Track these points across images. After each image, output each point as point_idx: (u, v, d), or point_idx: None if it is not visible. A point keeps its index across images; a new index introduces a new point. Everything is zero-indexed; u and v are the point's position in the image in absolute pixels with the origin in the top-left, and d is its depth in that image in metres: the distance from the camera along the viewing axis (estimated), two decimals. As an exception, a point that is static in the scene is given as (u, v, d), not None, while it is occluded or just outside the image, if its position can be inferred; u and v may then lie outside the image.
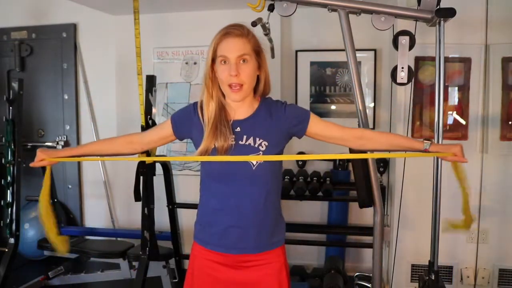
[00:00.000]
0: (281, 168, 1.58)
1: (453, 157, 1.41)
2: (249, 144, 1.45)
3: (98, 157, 1.75)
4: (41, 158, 1.50)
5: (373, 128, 3.32)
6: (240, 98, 1.45)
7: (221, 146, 1.42)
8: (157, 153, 2.89)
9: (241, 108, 1.50)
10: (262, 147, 1.45)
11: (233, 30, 1.42)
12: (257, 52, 1.47)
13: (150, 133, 1.62)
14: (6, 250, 2.89)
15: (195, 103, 1.54)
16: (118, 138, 1.59)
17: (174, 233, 3.22)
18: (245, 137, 1.46)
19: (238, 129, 1.48)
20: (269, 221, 1.52)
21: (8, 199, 2.90)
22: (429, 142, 1.44)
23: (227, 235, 1.49)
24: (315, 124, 1.51)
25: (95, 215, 3.93)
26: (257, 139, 1.46)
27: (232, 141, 1.45)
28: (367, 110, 2.00)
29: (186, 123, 1.53)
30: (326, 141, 1.54)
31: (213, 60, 1.46)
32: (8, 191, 2.90)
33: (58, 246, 1.60)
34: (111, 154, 1.59)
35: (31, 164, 1.51)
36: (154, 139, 1.60)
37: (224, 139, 1.43)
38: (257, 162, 1.42)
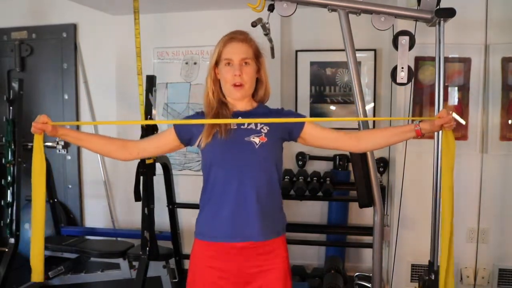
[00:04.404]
0: (281, 157, 1.61)
1: (440, 120, 1.44)
2: (251, 128, 1.52)
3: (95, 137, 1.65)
4: (45, 121, 1.42)
5: (373, 128, 3.32)
6: (241, 95, 1.55)
7: (223, 128, 1.49)
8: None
9: (241, 104, 1.58)
10: (264, 130, 1.51)
11: (237, 36, 1.55)
12: (257, 56, 1.58)
13: (149, 141, 1.68)
14: (6, 250, 2.89)
15: (198, 112, 1.63)
16: (115, 140, 1.59)
17: (174, 233, 3.22)
18: (246, 123, 1.53)
19: (240, 118, 1.54)
20: (271, 206, 1.54)
21: (8, 199, 2.90)
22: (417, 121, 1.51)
23: (230, 221, 1.50)
24: (311, 125, 1.58)
25: (95, 215, 3.93)
26: (258, 124, 1.53)
27: (234, 125, 1.51)
28: (367, 110, 2.01)
29: (190, 125, 1.58)
30: (322, 144, 1.60)
31: (216, 64, 1.56)
32: (8, 191, 2.89)
33: (36, 273, 1.47)
34: (103, 152, 1.60)
35: (33, 130, 1.43)
36: (153, 146, 1.63)
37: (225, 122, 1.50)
38: (260, 142, 1.49)
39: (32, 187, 1.47)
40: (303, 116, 1.64)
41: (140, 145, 1.62)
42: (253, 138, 1.49)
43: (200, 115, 1.61)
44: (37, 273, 1.47)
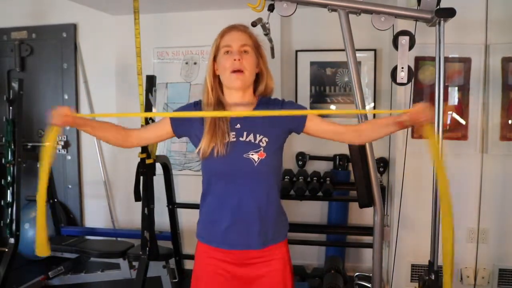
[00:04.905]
0: (281, 164, 1.60)
1: (411, 115, 1.36)
2: (250, 140, 1.48)
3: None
4: (67, 113, 1.37)
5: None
6: (241, 84, 1.49)
7: (220, 141, 1.45)
8: (157, 153, 2.89)
9: (240, 105, 1.53)
10: (263, 143, 1.48)
11: (236, 26, 1.53)
12: (257, 48, 1.55)
13: (147, 131, 1.67)
14: (6, 250, 2.89)
15: (197, 101, 1.58)
16: (121, 130, 1.56)
17: (174, 233, 3.22)
18: (245, 133, 1.49)
19: (238, 126, 1.50)
20: (271, 216, 1.54)
21: (8, 199, 2.90)
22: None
23: (230, 232, 1.50)
24: (313, 118, 1.55)
25: (95, 215, 3.93)
26: (257, 135, 1.48)
27: (232, 137, 1.48)
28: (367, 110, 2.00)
29: (185, 120, 1.55)
30: (323, 135, 1.56)
31: (215, 58, 1.52)
32: (8, 191, 2.90)
33: (41, 248, 1.44)
34: (110, 141, 1.55)
35: (54, 122, 1.36)
36: (150, 136, 1.64)
37: (222, 135, 1.46)
38: (258, 159, 1.46)
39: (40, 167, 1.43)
40: (304, 109, 1.60)
41: (139, 134, 1.61)
42: (252, 154, 1.46)
43: (197, 107, 1.56)
44: (42, 247, 1.45)
